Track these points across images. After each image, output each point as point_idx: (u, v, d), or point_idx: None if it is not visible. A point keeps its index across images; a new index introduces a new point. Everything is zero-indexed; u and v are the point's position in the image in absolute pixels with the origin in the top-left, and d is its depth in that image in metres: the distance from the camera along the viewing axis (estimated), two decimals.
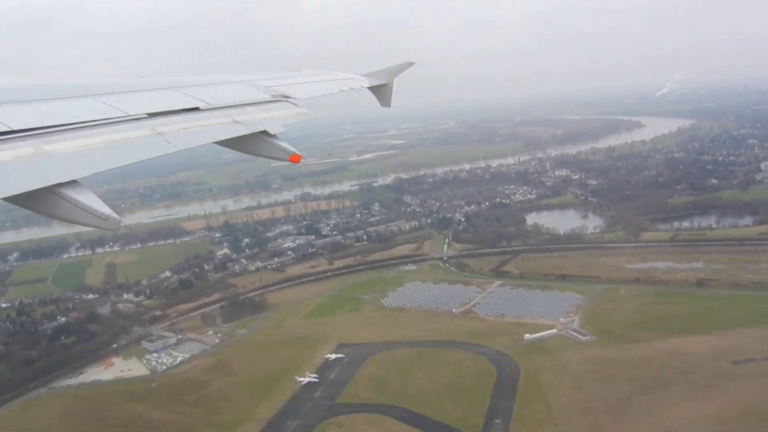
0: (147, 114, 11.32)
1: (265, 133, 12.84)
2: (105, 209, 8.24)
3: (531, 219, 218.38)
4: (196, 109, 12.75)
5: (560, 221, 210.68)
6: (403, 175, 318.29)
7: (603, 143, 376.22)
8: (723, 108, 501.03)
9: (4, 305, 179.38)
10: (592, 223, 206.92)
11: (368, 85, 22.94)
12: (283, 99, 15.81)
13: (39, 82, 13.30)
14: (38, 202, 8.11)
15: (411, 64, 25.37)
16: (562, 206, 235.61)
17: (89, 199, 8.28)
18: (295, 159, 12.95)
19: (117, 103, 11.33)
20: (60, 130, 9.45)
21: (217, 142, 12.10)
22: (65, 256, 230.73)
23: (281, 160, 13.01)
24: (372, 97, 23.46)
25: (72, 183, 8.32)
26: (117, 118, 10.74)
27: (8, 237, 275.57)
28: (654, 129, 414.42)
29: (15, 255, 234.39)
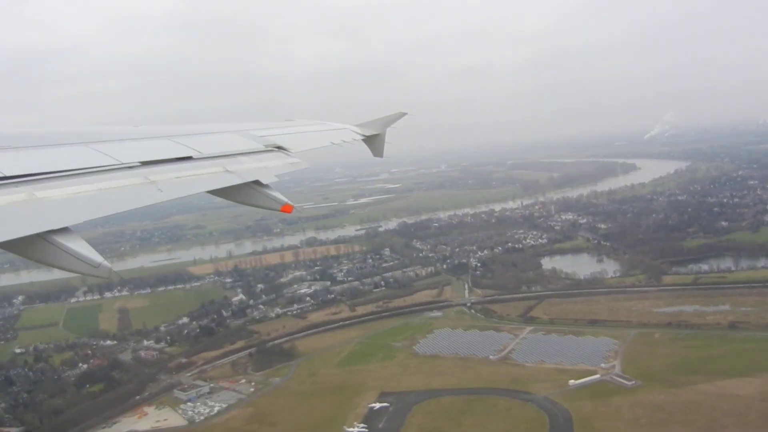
0: (140, 162, 11.42)
1: (257, 182, 12.94)
2: (96, 257, 8.26)
3: (546, 263, 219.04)
4: (189, 158, 12.85)
5: (576, 265, 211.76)
6: (408, 220, 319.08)
7: (602, 186, 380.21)
8: (715, 149, 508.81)
9: (18, 350, 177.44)
10: (609, 267, 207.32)
11: (361, 136, 22.96)
12: (276, 149, 15.96)
13: (32, 129, 13.44)
14: (29, 248, 8.15)
15: (403, 114, 25.41)
16: (575, 250, 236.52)
17: (81, 247, 8.28)
18: (287, 209, 13.02)
19: (110, 151, 11.39)
20: (52, 177, 9.49)
21: (209, 192, 12.22)
22: (73, 300, 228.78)
23: (273, 209, 12.99)
24: (362, 145, 23.45)
25: (64, 230, 8.36)
26: (110, 165, 10.79)
27: (8, 279, 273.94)
28: (650, 171, 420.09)
29: (20, 298, 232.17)
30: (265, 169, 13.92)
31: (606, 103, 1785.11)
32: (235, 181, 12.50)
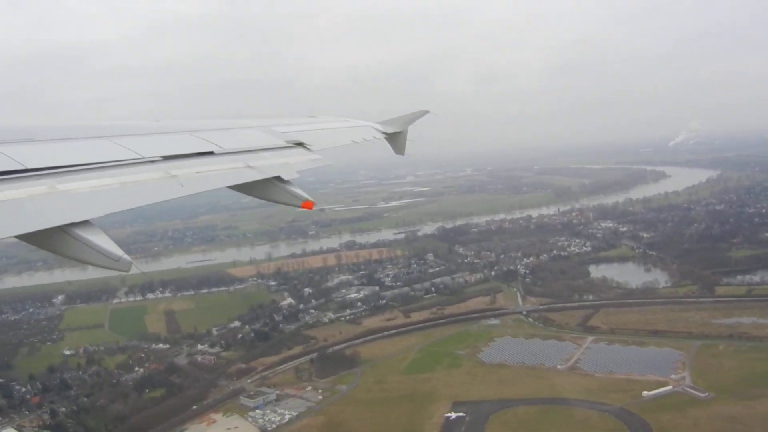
0: (162, 157, 11.49)
1: (278, 178, 12.90)
2: (117, 250, 8.27)
3: (594, 272, 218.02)
4: (211, 153, 12.92)
5: (624, 275, 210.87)
6: (446, 225, 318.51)
7: (634, 194, 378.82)
8: (743, 158, 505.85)
9: (67, 352, 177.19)
10: (658, 277, 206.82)
11: (383, 134, 22.99)
12: (297, 145, 15.81)
13: (54, 122, 13.47)
14: (50, 240, 8.23)
15: (425, 112, 25.72)
16: (620, 259, 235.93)
17: (101, 240, 8.31)
18: (307, 205, 12.84)
19: (132, 145, 11.50)
20: (74, 170, 9.59)
21: (230, 187, 12.19)
22: (115, 301, 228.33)
23: (294, 206, 12.88)
24: (385, 142, 23.43)
25: (85, 223, 8.40)
26: (132, 159, 10.91)
27: (43, 278, 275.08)
28: (680, 179, 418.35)
29: (60, 298, 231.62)
30: (287, 165, 13.92)
31: (631, 112, 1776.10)
32: (257, 176, 12.58)
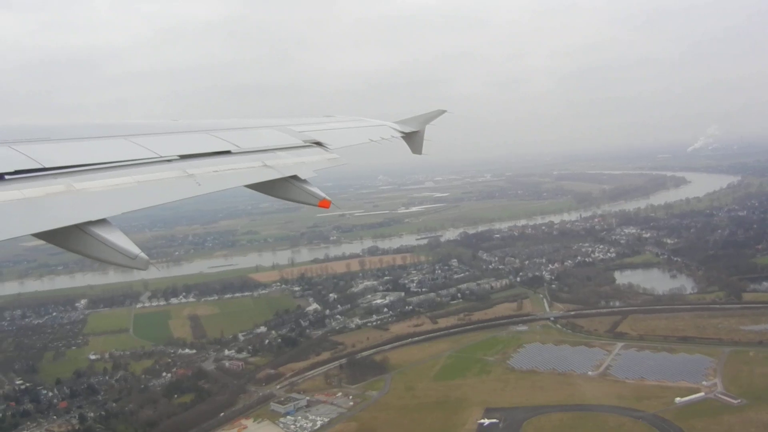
0: (179, 156, 11.53)
1: (295, 177, 13.01)
2: (134, 248, 8.33)
3: (619, 278, 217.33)
4: (228, 152, 12.96)
5: (650, 281, 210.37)
6: (468, 230, 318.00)
7: (654, 199, 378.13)
8: (762, 164, 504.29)
9: (92, 357, 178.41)
10: (684, 283, 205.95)
11: (400, 133, 23.14)
12: (315, 144, 15.92)
13: (72, 121, 13.29)
14: (67, 238, 8.26)
15: (442, 111, 25.92)
16: (645, 265, 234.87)
17: (118, 238, 8.37)
18: (324, 204, 12.94)
19: (149, 144, 11.51)
20: (91, 169, 9.62)
21: (247, 186, 12.25)
22: (138, 305, 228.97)
23: (311, 204, 12.94)
24: (402, 143, 23.68)
25: (101, 221, 8.45)
26: (149, 158, 10.93)
27: (64, 282, 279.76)
28: (700, 185, 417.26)
29: (83, 302, 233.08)
30: (304, 164, 13.99)
31: (647, 116, 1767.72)
32: (274, 175, 12.66)
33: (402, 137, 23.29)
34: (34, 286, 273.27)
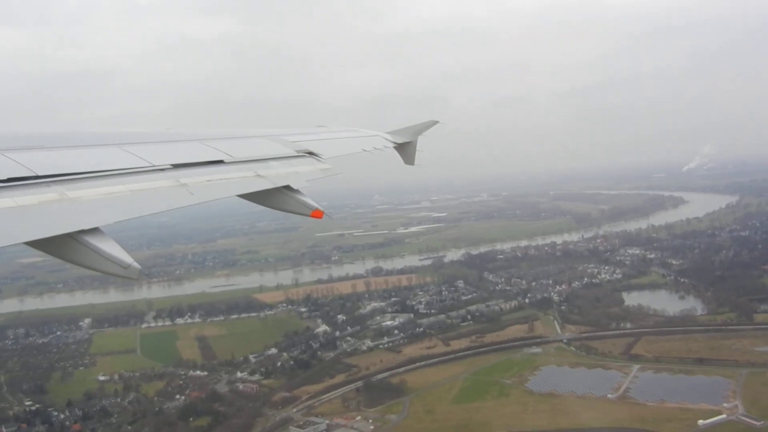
0: (171, 165, 11.57)
1: (288, 187, 13.07)
2: (126, 257, 8.32)
3: (628, 299, 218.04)
4: (221, 161, 13.05)
5: (658, 302, 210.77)
6: (471, 251, 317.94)
7: (654, 220, 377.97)
8: (759, 184, 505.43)
9: (102, 378, 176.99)
10: (690, 304, 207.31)
11: (393, 143, 23.30)
12: (307, 154, 16.03)
13: (64, 130, 13.31)
14: (60, 247, 8.27)
15: (435, 122, 25.95)
16: (652, 286, 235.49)
17: (110, 247, 8.36)
18: (317, 214, 12.94)
19: (141, 153, 11.57)
20: (84, 178, 9.66)
21: (239, 196, 12.29)
22: (144, 325, 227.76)
23: (303, 214, 12.94)
24: (397, 159, 23.98)
25: (94, 230, 8.45)
26: (141, 167, 10.99)
27: (65, 300, 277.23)
28: (699, 205, 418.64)
29: (87, 321, 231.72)
30: (296, 174, 14.11)
31: (641, 134, 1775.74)
32: (266, 185, 12.72)
33: (394, 148, 23.49)
34: (34, 303, 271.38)
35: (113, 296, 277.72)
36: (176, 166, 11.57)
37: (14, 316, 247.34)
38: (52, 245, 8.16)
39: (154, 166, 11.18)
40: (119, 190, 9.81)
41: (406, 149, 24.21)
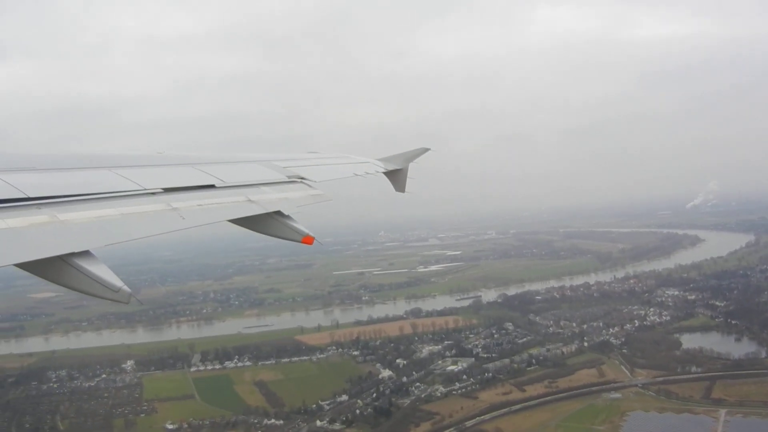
0: (163, 189, 11.90)
1: (279, 213, 13.45)
2: (116, 281, 8.55)
3: (685, 342, 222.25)
4: (212, 186, 13.47)
5: (717, 344, 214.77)
6: (505, 291, 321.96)
7: (677, 259, 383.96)
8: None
9: (169, 426, 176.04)
10: (749, 347, 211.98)
11: (384, 170, 23.98)
12: (299, 180, 16.61)
13: (56, 152, 13.91)
14: (50, 270, 8.45)
15: (426, 150, 26.68)
16: (703, 329, 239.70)
17: (101, 271, 8.57)
18: (308, 241, 13.30)
19: (133, 176, 11.89)
20: (75, 200, 9.90)
21: (230, 221, 12.55)
22: (193, 369, 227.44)
23: (294, 240, 13.36)
24: (384, 177, 24.66)
25: (85, 253, 8.66)
26: (133, 191, 11.32)
27: (91, 339, 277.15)
28: (716, 244, 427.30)
29: (130, 363, 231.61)
30: (288, 199, 14.53)
31: (642, 172, 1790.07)
32: (257, 210, 13.09)
33: (385, 174, 24.23)
34: (61, 342, 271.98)
35: (144, 336, 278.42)
36: (168, 190, 11.97)
37: (47, 355, 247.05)
38: (43, 268, 8.39)
39: (145, 189, 11.57)
40: (110, 213, 10.07)
41: (397, 176, 24.88)
